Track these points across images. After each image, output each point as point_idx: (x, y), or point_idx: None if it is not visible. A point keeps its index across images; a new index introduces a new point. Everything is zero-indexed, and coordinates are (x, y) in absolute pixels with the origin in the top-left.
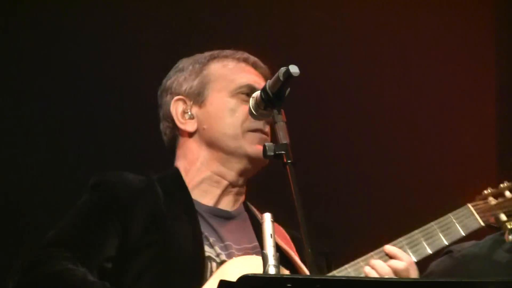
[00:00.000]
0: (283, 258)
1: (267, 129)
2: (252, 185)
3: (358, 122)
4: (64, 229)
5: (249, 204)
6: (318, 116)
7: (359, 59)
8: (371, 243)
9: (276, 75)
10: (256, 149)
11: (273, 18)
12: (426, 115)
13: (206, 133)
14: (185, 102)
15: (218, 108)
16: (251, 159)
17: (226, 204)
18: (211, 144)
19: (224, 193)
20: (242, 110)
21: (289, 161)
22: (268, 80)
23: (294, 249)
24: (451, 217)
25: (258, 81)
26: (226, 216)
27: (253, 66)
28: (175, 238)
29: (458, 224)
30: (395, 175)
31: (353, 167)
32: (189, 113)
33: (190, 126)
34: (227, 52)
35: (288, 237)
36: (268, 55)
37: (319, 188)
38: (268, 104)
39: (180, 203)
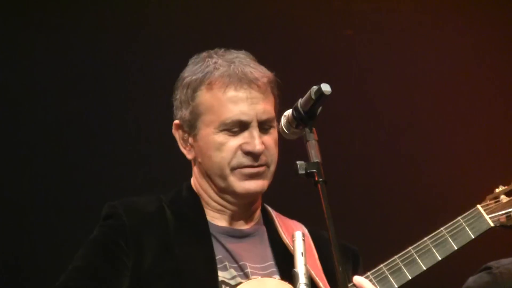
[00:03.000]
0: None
1: (261, 161)
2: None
3: (385, 135)
4: (73, 277)
5: (267, 208)
6: (346, 132)
7: (390, 75)
8: (387, 247)
9: (308, 93)
10: (244, 186)
11: (304, 37)
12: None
13: (201, 166)
14: (183, 129)
15: (206, 145)
16: (242, 195)
17: (240, 224)
18: (207, 177)
19: (233, 217)
20: (228, 147)
21: (320, 180)
22: (300, 99)
23: (316, 257)
24: (460, 220)
25: (246, 111)
26: (240, 235)
27: (246, 86)
28: (187, 265)
29: (468, 227)
30: (409, 173)
31: (371, 171)
32: (187, 141)
33: (189, 154)
34: (218, 73)
35: (311, 244)
36: (298, 73)
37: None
38: (299, 122)
39: (194, 226)
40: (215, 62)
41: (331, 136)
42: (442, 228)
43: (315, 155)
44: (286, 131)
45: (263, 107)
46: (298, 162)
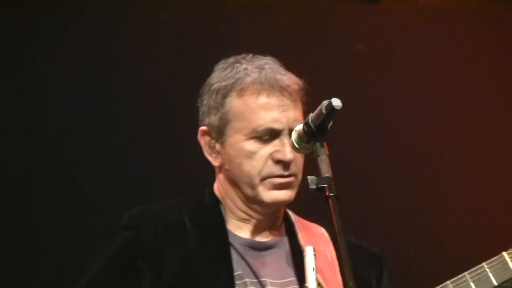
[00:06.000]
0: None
1: (290, 170)
2: None
3: (401, 152)
4: None
5: (289, 215)
6: (360, 148)
7: (403, 90)
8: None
9: (318, 108)
10: (273, 196)
11: (314, 51)
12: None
13: (228, 174)
14: (210, 135)
15: (236, 152)
16: (270, 205)
17: (262, 235)
18: (234, 185)
19: (256, 227)
20: (259, 155)
21: (331, 195)
22: (311, 114)
23: (337, 265)
24: (484, 266)
25: (278, 119)
26: (262, 248)
27: (278, 93)
28: (205, 284)
29: (492, 273)
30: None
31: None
32: (215, 147)
33: (215, 161)
34: (249, 79)
35: (330, 254)
36: (309, 88)
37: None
38: (310, 137)
39: (214, 239)
40: (245, 68)
41: (343, 151)
42: (465, 273)
43: (326, 169)
44: (297, 146)
45: (294, 114)
46: (309, 177)
